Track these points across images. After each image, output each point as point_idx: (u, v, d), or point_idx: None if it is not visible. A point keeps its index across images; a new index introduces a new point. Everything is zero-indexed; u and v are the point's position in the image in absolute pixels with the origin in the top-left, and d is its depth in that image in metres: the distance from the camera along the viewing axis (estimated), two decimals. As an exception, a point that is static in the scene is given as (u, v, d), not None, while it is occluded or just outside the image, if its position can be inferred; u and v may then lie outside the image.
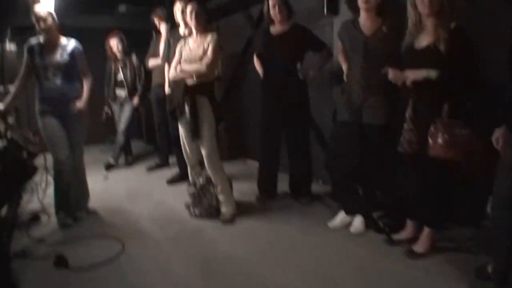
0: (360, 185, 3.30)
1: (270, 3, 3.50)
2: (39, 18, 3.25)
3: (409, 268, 2.58)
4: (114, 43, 5.35)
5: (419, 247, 2.72)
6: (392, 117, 2.83)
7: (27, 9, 5.58)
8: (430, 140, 2.43)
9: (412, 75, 2.46)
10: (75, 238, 3.19)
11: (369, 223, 3.16)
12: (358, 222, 3.15)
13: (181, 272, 2.62)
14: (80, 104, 3.43)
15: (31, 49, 3.35)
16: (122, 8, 6.48)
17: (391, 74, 2.58)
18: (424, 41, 2.52)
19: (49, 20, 3.28)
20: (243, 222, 3.41)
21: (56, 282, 2.56)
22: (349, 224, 3.18)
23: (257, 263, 2.71)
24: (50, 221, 3.55)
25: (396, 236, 2.92)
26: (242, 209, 3.61)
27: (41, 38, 3.37)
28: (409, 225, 2.89)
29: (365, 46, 2.86)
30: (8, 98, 3.40)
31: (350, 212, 3.20)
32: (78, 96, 3.46)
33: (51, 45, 3.38)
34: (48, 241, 3.12)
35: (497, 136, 2.25)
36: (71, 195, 3.49)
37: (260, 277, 2.52)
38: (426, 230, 2.73)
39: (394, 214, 3.10)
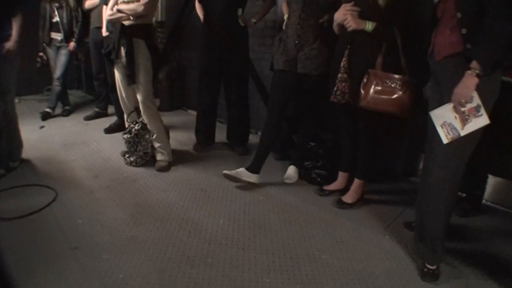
0: (296, 136, 3.34)
1: None
2: None
3: (337, 216, 2.69)
4: None
5: (348, 197, 2.83)
6: (326, 67, 2.83)
7: None
8: (362, 91, 2.46)
9: (354, 22, 2.45)
10: (6, 187, 3.04)
11: (302, 174, 3.23)
12: (291, 171, 3.21)
13: (112, 218, 2.60)
14: (9, 44, 3.17)
15: None
16: None
17: (339, 13, 2.53)
18: (364, -8, 2.51)
19: None
20: (178, 170, 3.40)
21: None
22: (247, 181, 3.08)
23: (189, 209, 2.72)
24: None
25: (328, 187, 3.01)
26: (179, 158, 3.58)
27: None
28: (341, 176, 2.98)
29: (305, -5, 2.81)
30: None
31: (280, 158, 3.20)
32: (7, 36, 3.19)
33: None
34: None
35: (425, 88, 2.35)
36: (2, 144, 3.30)
37: (191, 222, 2.55)
38: (356, 182, 2.82)
39: (326, 165, 3.17)
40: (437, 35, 2.05)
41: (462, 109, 1.86)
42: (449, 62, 1.97)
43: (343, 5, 2.53)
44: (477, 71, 1.77)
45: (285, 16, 3.02)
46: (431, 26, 2.13)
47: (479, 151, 2.00)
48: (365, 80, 2.47)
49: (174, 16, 5.39)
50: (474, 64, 1.78)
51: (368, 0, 2.46)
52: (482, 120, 1.85)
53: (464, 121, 1.88)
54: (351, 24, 2.45)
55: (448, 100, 1.92)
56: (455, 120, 1.90)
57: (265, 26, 4.04)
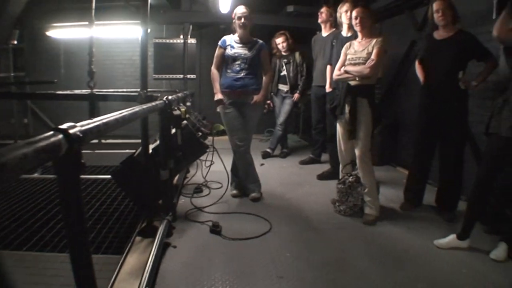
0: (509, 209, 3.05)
1: (434, 7, 3.38)
2: (240, 15, 3.72)
3: None
4: (280, 41, 5.69)
5: None
6: None
7: (206, 9, 6.35)
8: None
9: None
10: (230, 212, 3.70)
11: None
12: (501, 248, 2.85)
13: (318, 260, 2.78)
14: (258, 97, 3.82)
15: (224, 43, 3.84)
16: (290, 8, 6.91)
17: None
18: None
19: (248, 17, 3.73)
20: (383, 226, 3.42)
21: (207, 243, 3.04)
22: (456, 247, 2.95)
23: (389, 267, 2.71)
24: (210, 194, 4.15)
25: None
26: (385, 214, 3.61)
27: (235, 34, 3.85)
28: None
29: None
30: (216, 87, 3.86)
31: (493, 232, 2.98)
32: (257, 89, 3.85)
33: (243, 41, 3.82)
34: (207, 211, 3.68)
35: None
36: (250, 179, 4.05)
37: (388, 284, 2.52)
38: None
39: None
40: None
41: None
42: None
43: None
44: None
45: None
46: None
47: None
48: None
49: (391, 73, 5.53)
50: None
51: None
52: None
53: None
54: None
55: None
56: None
57: (486, 87, 3.75)
